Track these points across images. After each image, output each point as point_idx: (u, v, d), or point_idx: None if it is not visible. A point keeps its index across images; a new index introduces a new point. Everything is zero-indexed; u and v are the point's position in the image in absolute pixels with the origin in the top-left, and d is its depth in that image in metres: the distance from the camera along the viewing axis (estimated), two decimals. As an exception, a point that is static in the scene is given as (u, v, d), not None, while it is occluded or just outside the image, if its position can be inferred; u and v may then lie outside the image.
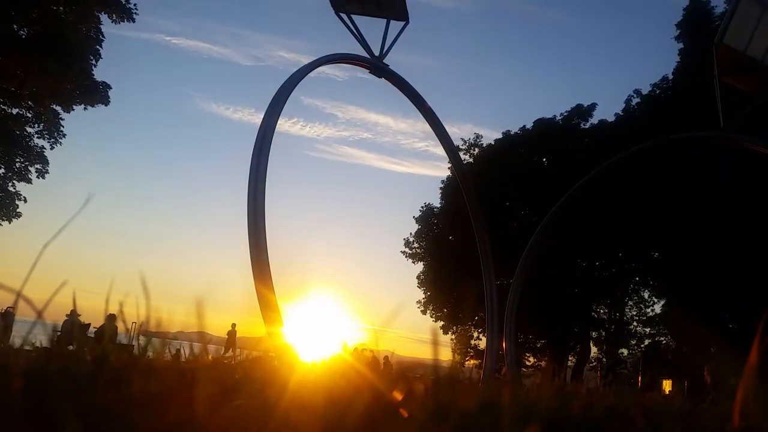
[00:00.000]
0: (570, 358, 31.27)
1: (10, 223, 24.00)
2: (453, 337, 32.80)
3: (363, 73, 9.96)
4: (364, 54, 9.67)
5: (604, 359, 32.03)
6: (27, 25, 21.03)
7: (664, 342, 31.78)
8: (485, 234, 11.26)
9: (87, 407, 0.99)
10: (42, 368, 1.12)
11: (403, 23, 9.97)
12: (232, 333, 19.64)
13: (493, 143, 31.85)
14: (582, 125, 30.46)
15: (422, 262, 33.03)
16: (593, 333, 32.00)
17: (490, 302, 11.01)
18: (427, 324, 31.46)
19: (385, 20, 9.82)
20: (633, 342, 32.86)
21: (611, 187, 20.97)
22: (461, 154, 29.22)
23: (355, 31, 9.63)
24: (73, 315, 15.70)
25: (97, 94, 22.55)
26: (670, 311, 28.56)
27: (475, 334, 32.56)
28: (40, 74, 20.76)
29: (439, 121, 10.87)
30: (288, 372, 1.34)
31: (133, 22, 22.62)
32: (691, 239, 22.62)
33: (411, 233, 33.29)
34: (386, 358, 8.15)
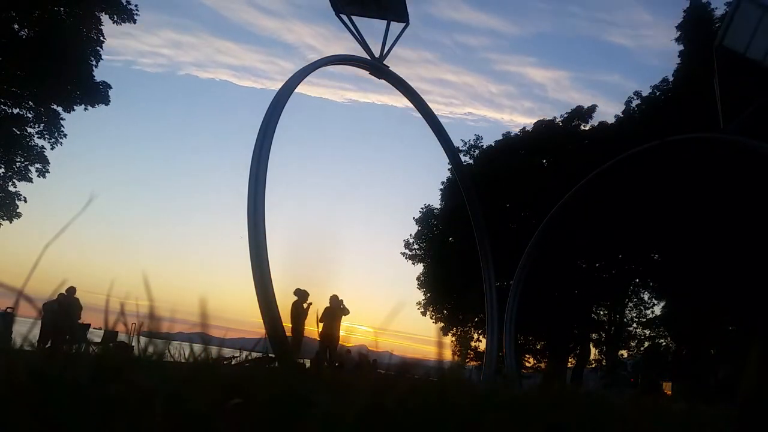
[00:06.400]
0: (570, 360, 31.24)
1: (11, 222, 23.97)
2: (453, 338, 32.79)
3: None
4: (365, 55, 9.68)
5: (604, 361, 32.00)
6: (27, 26, 21.06)
7: (664, 344, 31.75)
8: (485, 235, 11.25)
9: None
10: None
11: (403, 24, 9.98)
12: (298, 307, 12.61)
13: (493, 144, 31.86)
14: (582, 127, 30.48)
15: (422, 264, 33.02)
16: (593, 335, 31.96)
17: (490, 303, 11.00)
18: (428, 325, 31.50)
19: (386, 22, 9.83)
20: (633, 344, 32.83)
21: (611, 189, 20.95)
22: (461, 155, 29.22)
23: (355, 32, 9.64)
24: (61, 298, 14.19)
25: (97, 94, 22.58)
26: (670, 313, 28.54)
27: (475, 336, 32.54)
28: (41, 75, 20.78)
29: (439, 121, 10.88)
30: (288, 372, 1.34)
31: (134, 23, 22.68)
32: (691, 241, 22.61)
33: (411, 234, 33.29)
34: (374, 360, 8.02)
